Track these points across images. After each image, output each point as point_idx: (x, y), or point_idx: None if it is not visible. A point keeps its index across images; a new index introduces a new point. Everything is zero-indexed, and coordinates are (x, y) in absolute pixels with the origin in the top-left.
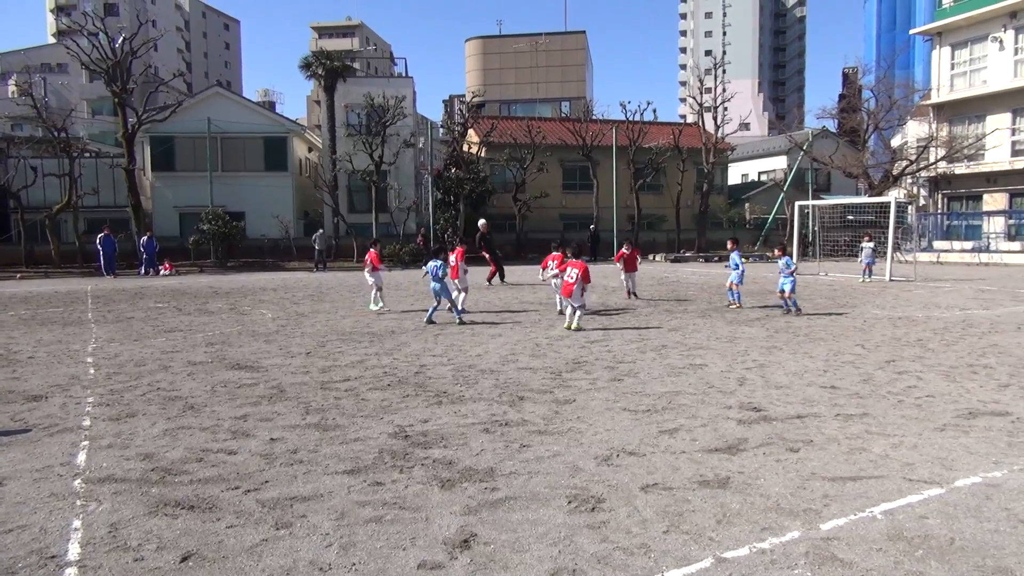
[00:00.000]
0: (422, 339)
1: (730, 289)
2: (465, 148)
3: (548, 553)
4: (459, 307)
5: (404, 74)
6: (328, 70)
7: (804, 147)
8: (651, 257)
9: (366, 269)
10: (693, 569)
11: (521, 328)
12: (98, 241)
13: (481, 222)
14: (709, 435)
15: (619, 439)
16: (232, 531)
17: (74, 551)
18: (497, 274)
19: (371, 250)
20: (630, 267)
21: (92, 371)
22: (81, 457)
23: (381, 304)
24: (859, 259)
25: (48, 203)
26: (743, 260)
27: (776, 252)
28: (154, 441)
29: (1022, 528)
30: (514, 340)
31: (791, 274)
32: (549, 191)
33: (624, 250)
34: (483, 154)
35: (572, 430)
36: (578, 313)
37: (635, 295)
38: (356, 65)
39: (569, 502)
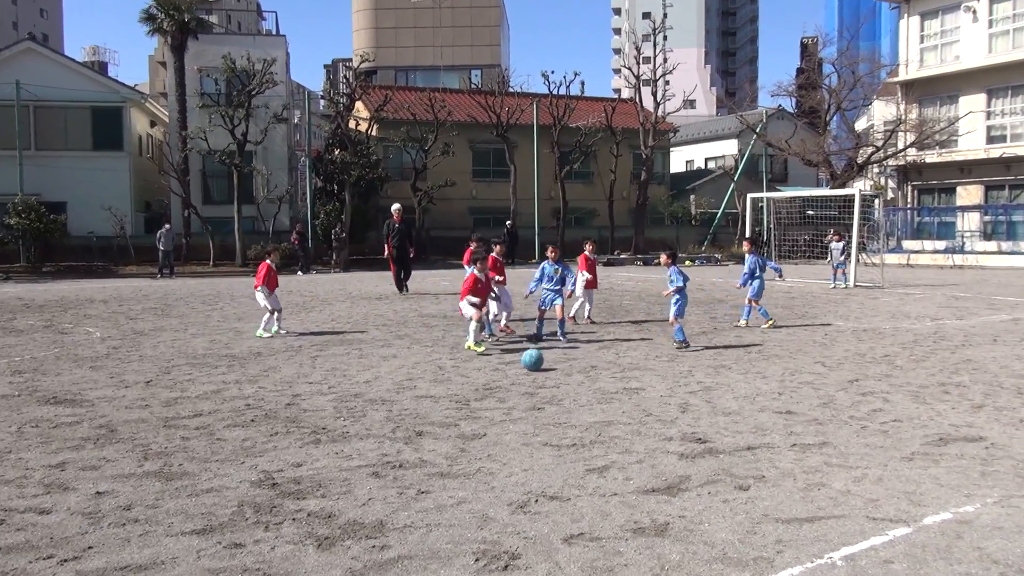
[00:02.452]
0: (296, 362)
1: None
2: (352, 125)
3: None
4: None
5: (275, 32)
6: (177, 24)
7: (757, 130)
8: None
9: (258, 288)
10: None
11: (421, 348)
12: None
13: (395, 207)
14: (646, 473)
15: (538, 481)
16: None
17: None
18: (396, 278)
19: (265, 261)
20: (592, 281)
21: None
22: None
23: (276, 329)
24: (828, 261)
25: None
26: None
27: (745, 247)
28: None
29: (995, 570)
30: (411, 362)
31: (759, 275)
32: (456, 179)
33: (587, 253)
34: (374, 132)
35: (481, 471)
36: (473, 325)
37: (591, 319)
38: (213, 19)
39: (477, 560)
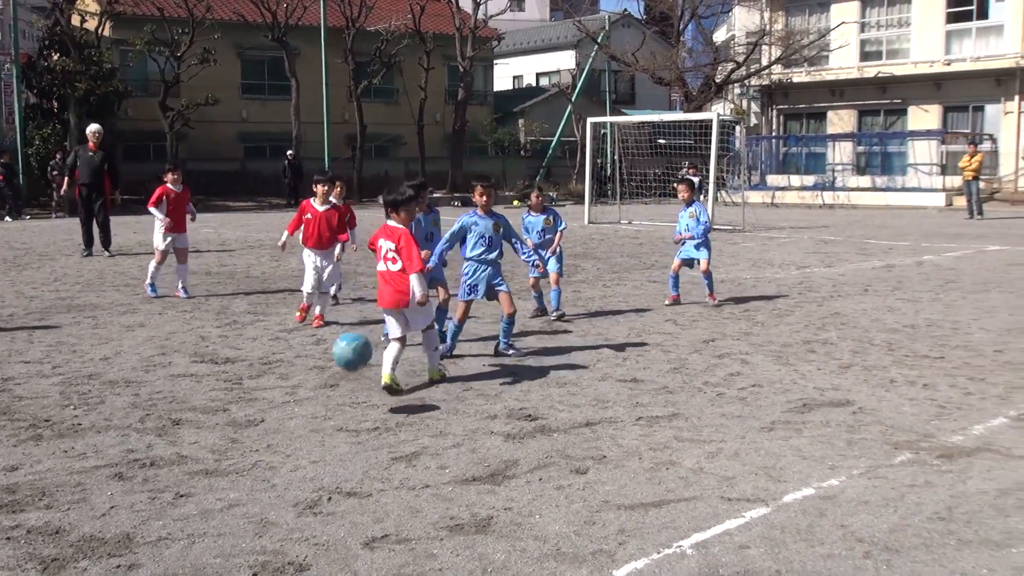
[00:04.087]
0: (6, 337)
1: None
2: (76, 22)
3: None
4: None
5: None
6: None
7: (599, 39)
8: (380, 199)
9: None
10: None
11: (177, 314)
12: None
13: (91, 128)
14: (464, 459)
15: (332, 474)
16: None
17: None
18: (85, 230)
19: None
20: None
21: None
22: None
23: None
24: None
25: None
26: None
27: (680, 191)
28: None
29: (859, 549)
30: (165, 332)
31: (706, 232)
32: (221, 95)
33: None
34: (107, 32)
35: (259, 465)
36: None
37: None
38: None
39: (255, 575)
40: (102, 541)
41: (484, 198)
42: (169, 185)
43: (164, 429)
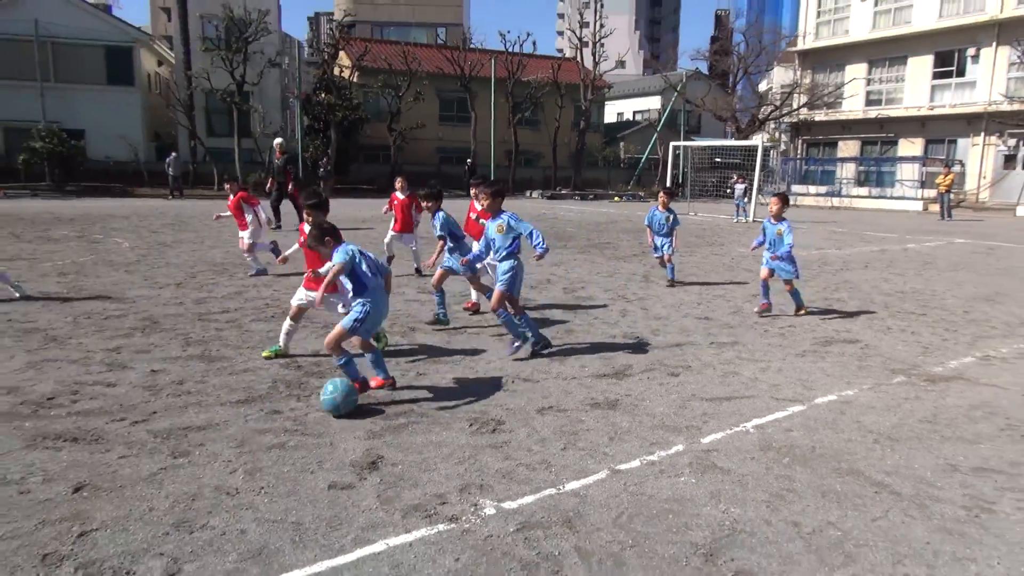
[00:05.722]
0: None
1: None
2: (336, 72)
3: (455, 471)
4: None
5: None
6: None
7: (678, 88)
8: (528, 194)
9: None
10: (591, 480)
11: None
12: None
13: (275, 142)
14: (597, 362)
15: (513, 366)
16: (125, 461)
17: None
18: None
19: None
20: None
21: None
22: None
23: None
24: (735, 200)
25: None
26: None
27: (772, 204)
28: (16, 375)
29: (870, 437)
30: (398, 284)
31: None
32: (425, 122)
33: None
34: (355, 79)
35: (467, 357)
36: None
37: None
38: None
39: (470, 424)
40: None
41: (485, 201)
42: (397, 192)
43: (405, 333)
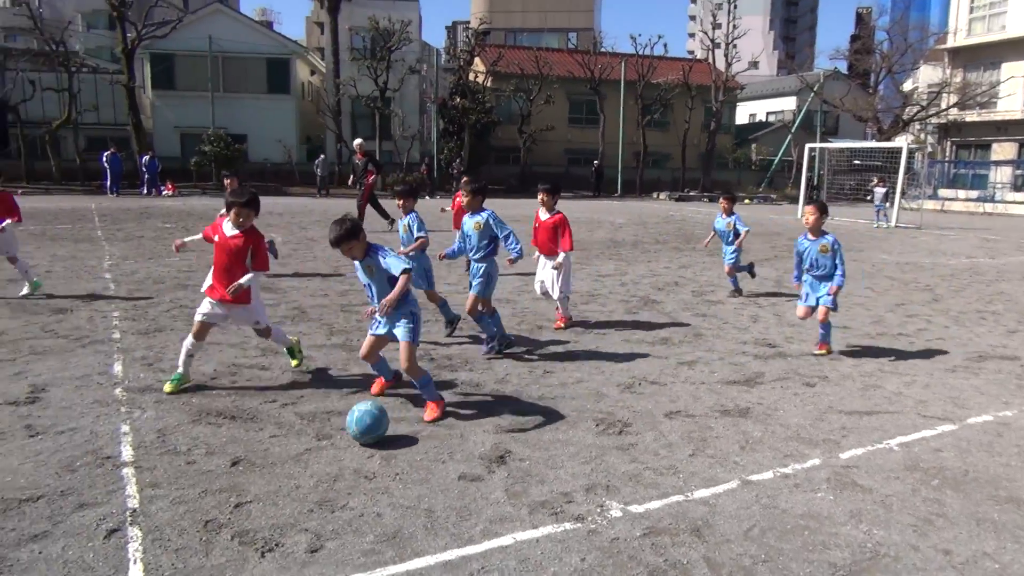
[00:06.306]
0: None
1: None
2: (471, 77)
3: (581, 470)
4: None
5: None
6: None
7: (815, 88)
8: (655, 195)
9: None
10: (720, 489)
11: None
12: (104, 159)
13: (356, 142)
14: (727, 368)
15: (639, 368)
16: (275, 440)
17: (127, 453)
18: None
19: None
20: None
21: (112, 286)
22: (117, 368)
23: None
24: (874, 204)
25: (47, 118)
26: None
27: (808, 216)
28: None
29: None
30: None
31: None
32: (555, 124)
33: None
34: (489, 84)
35: (593, 358)
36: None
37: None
38: None
39: (597, 424)
40: (503, 397)
41: (466, 199)
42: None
43: (532, 331)
